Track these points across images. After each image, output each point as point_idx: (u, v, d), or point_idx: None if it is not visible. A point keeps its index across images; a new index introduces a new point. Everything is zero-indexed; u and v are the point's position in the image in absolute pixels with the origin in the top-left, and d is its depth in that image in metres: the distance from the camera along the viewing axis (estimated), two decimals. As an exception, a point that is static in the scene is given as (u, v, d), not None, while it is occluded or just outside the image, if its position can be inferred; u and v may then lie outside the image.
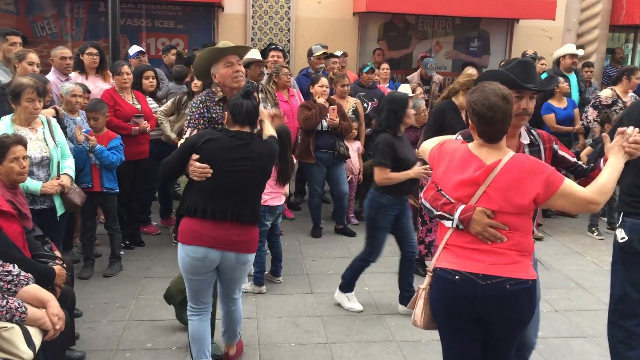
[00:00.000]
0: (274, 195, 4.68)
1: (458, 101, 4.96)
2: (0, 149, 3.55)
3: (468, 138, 2.76)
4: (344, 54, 8.26)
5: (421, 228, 5.35)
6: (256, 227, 3.40)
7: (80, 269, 5.05)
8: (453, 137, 2.93)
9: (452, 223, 2.57)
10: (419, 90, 7.27)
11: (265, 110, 3.62)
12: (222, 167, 3.20)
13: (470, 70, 7.65)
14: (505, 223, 2.50)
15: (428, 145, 2.91)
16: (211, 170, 3.20)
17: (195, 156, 3.21)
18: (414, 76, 8.26)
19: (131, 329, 4.23)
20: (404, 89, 6.93)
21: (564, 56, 7.52)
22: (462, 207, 2.54)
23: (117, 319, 4.36)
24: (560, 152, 2.92)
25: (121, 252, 5.40)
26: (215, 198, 3.22)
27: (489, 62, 10.35)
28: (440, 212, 2.62)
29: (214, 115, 3.58)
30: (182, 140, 3.45)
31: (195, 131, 3.52)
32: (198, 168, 3.20)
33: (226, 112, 3.32)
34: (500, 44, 10.40)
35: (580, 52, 7.89)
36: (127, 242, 5.79)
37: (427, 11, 9.54)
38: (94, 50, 5.94)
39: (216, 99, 3.61)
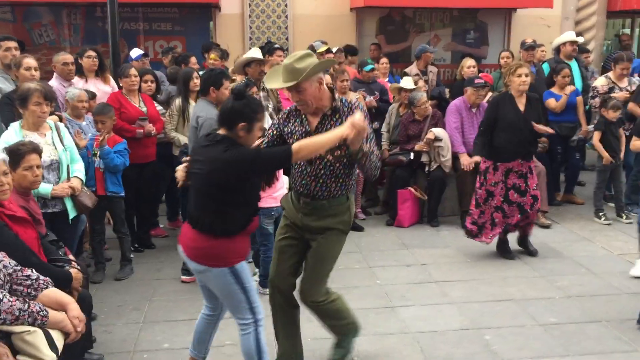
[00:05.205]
0: (264, 197, 4.33)
1: (513, 90, 5.30)
2: (15, 156, 3.53)
3: None
4: (339, 50, 8.25)
5: (474, 210, 5.49)
6: (220, 239, 2.98)
7: (91, 273, 5.04)
8: None
9: None
10: (421, 82, 7.28)
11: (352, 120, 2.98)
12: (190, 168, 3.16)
13: (469, 62, 7.74)
14: None
15: None
16: (182, 174, 3.18)
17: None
18: (412, 69, 8.26)
19: (147, 330, 4.23)
20: (407, 81, 6.94)
21: (564, 44, 7.54)
22: None
23: (132, 321, 4.36)
24: None
25: (131, 255, 5.41)
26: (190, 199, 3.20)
27: (487, 53, 10.36)
28: None
29: (285, 130, 3.37)
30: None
31: (263, 139, 3.39)
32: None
33: None
34: (499, 34, 10.40)
35: (581, 39, 7.91)
36: (137, 245, 5.79)
37: (425, 4, 9.56)
38: (93, 53, 5.93)
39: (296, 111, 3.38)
